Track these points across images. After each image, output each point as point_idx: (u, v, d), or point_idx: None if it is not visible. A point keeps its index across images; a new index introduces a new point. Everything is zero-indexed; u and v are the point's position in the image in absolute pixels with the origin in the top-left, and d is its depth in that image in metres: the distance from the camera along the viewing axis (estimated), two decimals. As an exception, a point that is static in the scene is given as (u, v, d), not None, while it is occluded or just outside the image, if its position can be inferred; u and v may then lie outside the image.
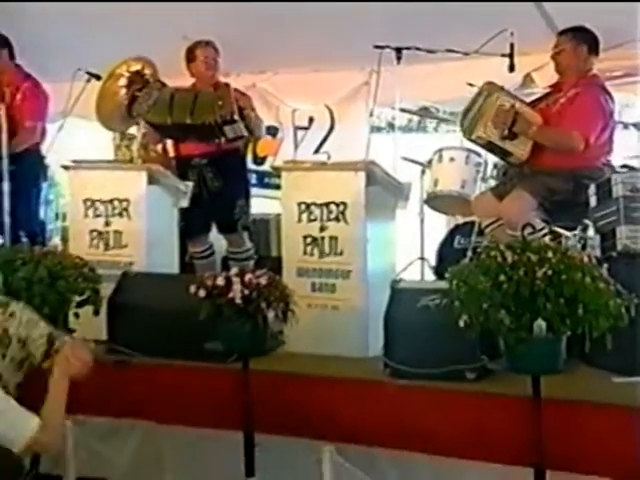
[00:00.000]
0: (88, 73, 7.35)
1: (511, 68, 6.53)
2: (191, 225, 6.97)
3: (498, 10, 6.70)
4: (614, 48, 6.57)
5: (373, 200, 5.72)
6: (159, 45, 7.12)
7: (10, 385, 4.30)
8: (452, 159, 6.78)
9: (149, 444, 5.50)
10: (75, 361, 3.85)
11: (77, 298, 5.47)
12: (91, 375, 5.64)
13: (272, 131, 8.44)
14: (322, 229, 5.75)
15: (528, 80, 7.21)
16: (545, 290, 4.05)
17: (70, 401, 5.49)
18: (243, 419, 4.98)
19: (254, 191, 7.56)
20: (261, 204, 7.71)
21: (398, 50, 6.75)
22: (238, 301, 4.84)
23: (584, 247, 5.87)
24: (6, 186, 7.24)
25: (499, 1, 6.73)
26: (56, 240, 8.14)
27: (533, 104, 6.32)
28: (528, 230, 5.88)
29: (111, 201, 6.45)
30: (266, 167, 8.31)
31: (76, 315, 5.54)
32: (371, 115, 7.38)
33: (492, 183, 6.74)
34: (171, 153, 7.39)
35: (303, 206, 5.81)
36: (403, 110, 7.46)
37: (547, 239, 5.52)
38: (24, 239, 6.44)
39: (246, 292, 4.85)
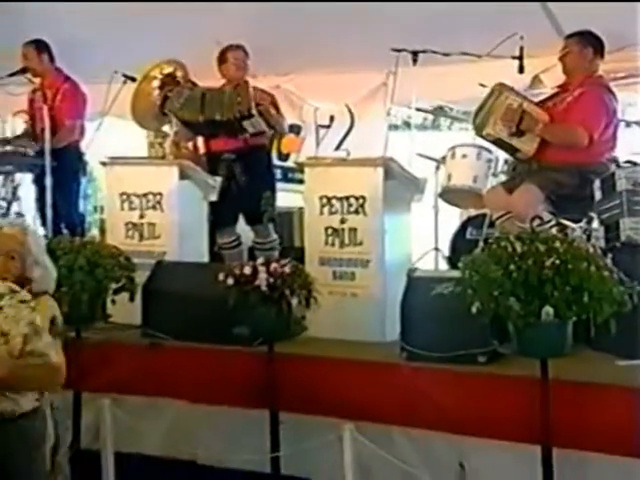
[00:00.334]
0: (124, 75, 7.38)
1: (520, 70, 6.55)
2: (220, 217, 6.97)
3: (508, 15, 6.67)
4: (618, 51, 6.53)
5: (390, 194, 5.72)
6: (193, 49, 7.12)
7: None
8: (465, 155, 6.75)
9: (181, 422, 5.51)
10: None
11: (114, 285, 5.48)
12: (127, 357, 5.72)
13: (295, 129, 8.43)
14: (342, 221, 5.75)
15: (537, 81, 7.18)
16: (553, 278, 4.04)
17: (108, 381, 5.56)
18: (268, 399, 5.00)
19: (279, 185, 7.54)
20: (285, 198, 7.70)
21: (414, 53, 6.74)
22: (264, 288, 4.85)
23: (589, 238, 5.86)
24: (49, 181, 7.27)
25: (510, 1, 6.71)
26: (94, 231, 8.16)
27: (542, 103, 6.31)
28: (536, 222, 5.85)
29: (145, 195, 6.46)
30: (290, 163, 8.30)
31: (113, 301, 5.56)
32: (388, 114, 7.38)
33: (502, 178, 6.71)
34: (201, 150, 7.40)
35: (325, 199, 5.81)
36: (419, 109, 7.45)
37: (554, 231, 5.49)
38: (65, 230, 6.47)
39: (271, 280, 4.86)
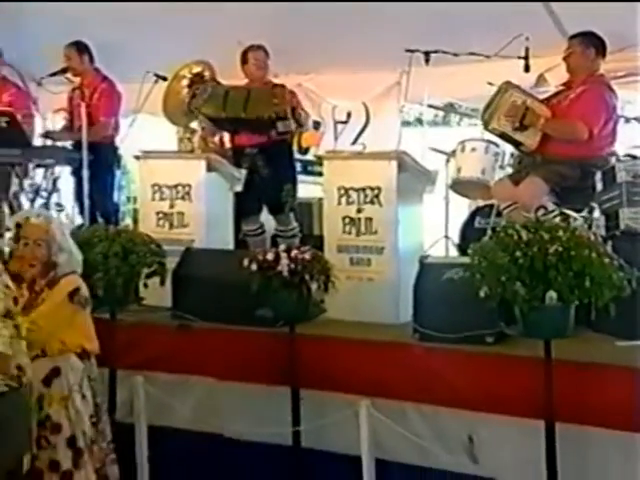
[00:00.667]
0: (156, 75, 7.39)
1: (526, 69, 6.54)
2: (244, 207, 6.97)
3: (514, 17, 6.65)
4: (619, 51, 6.50)
5: (404, 185, 5.70)
6: (217, 49, 7.12)
7: None
8: (473, 149, 6.73)
9: (209, 397, 5.52)
10: None
11: (146, 270, 5.49)
12: (158, 337, 5.73)
13: (315, 125, 8.40)
14: (359, 211, 5.74)
15: (541, 80, 7.14)
16: (556, 264, 4.04)
17: (141, 360, 5.58)
18: (290, 376, 5.00)
19: (299, 177, 7.52)
20: (305, 189, 7.68)
21: (426, 53, 6.74)
22: (285, 274, 4.85)
23: (590, 227, 5.83)
24: (85, 173, 7.30)
25: (517, 1, 6.67)
26: (128, 220, 8.18)
27: (547, 100, 6.29)
28: (541, 212, 5.85)
29: (175, 186, 6.47)
30: (310, 156, 8.27)
31: (145, 285, 5.57)
32: (401, 111, 7.37)
33: (509, 170, 6.69)
34: (227, 144, 7.41)
35: (342, 190, 5.80)
36: (430, 106, 7.41)
37: (558, 220, 5.47)
38: (100, 219, 6.49)
39: (292, 266, 4.87)
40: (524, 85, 6.44)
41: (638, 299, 4.32)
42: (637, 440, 4.31)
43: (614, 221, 5.30)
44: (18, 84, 8.29)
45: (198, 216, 6.41)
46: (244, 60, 7.08)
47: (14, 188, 7.69)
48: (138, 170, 7.01)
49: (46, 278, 4.32)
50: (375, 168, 5.78)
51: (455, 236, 7.10)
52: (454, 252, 6.87)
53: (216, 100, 6.97)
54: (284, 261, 4.86)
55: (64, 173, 7.84)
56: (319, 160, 6.72)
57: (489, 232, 6.09)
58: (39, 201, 7.57)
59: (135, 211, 7.69)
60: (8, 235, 4.50)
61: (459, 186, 6.89)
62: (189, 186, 6.43)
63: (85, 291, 4.47)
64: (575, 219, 5.86)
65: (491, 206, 6.76)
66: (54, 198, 7.66)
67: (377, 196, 5.68)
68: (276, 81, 7.22)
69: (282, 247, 5.09)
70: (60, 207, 7.61)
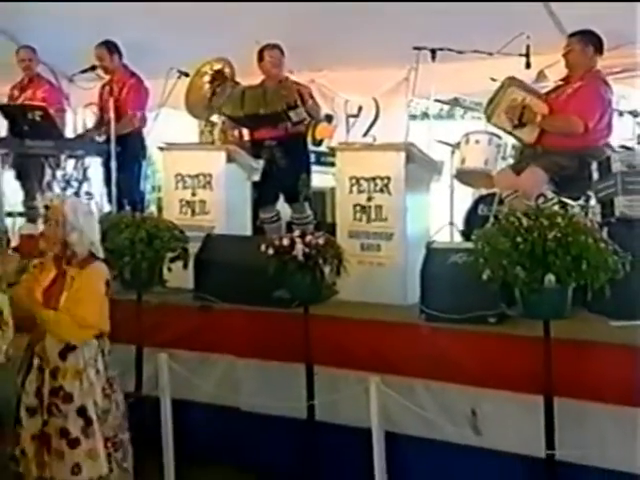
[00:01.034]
0: (179, 71, 7.39)
1: (527, 65, 6.53)
2: (262, 195, 6.97)
3: (516, 16, 6.62)
4: (615, 49, 6.45)
5: (411, 175, 5.68)
6: (236, 48, 7.10)
7: None
8: (477, 141, 6.70)
9: (229, 373, 5.54)
10: None
11: (170, 255, 5.50)
12: (182, 317, 5.74)
13: (328, 118, 8.39)
14: (369, 199, 5.73)
15: (541, 76, 7.10)
16: (555, 249, 4.04)
17: (165, 338, 5.60)
18: (304, 354, 5.00)
19: (313, 168, 7.52)
20: (319, 179, 7.68)
21: (433, 51, 6.70)
22: (300, 258, 4.85)
23: (587, 214, 5.83)
24: (113, 164, 7.31)
25: (518, 1, 6.65)
26: (152, 208, 8.18)
27: (547, 94, 6.27)
28: (541, 200, 5.83)
29: (197, 176, 6.46)
30: (323, 148, 8.26)
31: (169, 269, 5.58)
32: (409, 105, 7.35)
33: (510, 161, 6.66)
34: (246, 137, 7.40)
35: (354, 180, 5.78)
36: (437, 100, 7.40)
37: (556, 207, 5.45)
38: (127, 207, 6.50)
39: (307, 250, 4.86)
40: (525, 81, 6.41)
41: (631, 282, 4.30)
42: (630, 413, 4.31)
43: (609, 209, 5.27)
44: (51, 81, 8.33)
45: (218, 204, 6.41)
46: (261, 58, 7.08)
47: (47, 178, 7.73)
48: (162, 161, 7.01)
49: (65, 256, 4.34)
50: (384, 159, 5.76)
51: (459, 223, 7.08)
52: (458, 238, 6.86)
53: (234, 101, 7.02)
54: (299, 246, 4.86)
55: (94, 163, 7.87)
56: (332, 151, 6.71)
57: (492, 219, 6.11)
58: (70, 190, 7.59)
59: (159, 199, 7.70)
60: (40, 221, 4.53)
61: (463, 176, 6.88)
62: (210, 176, 6.43)
63: (110, 281, 4.50)
64: (573, 207, 5.86)
65: (493, 194, 6.74)
66: (84, 187, 7.68)
67: (386, 185, 5.67)
68: (291, 77, 7.21)
69: (297, 233, 5.08)
70: (90, 195, 7.64)
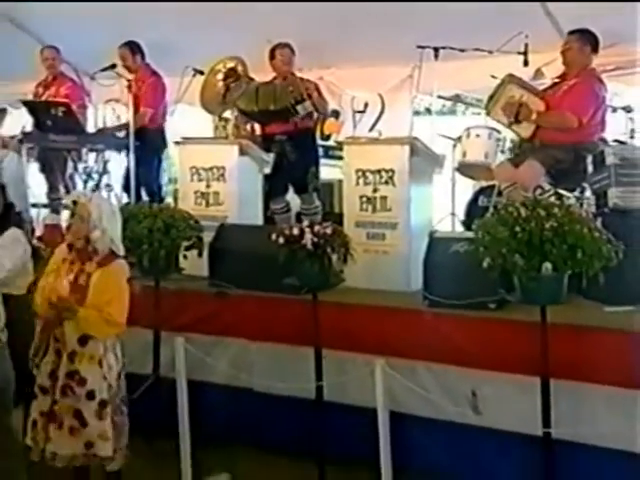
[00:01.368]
0: (194, 69, 7.37)
1: (525, 63, 6.54)
2: (272, 187, 6.96)
3: (515, 16, 6.59)
4: (609, 47, 6.40)
5: (415, 168, 5.67)
6: (249, 46, 7.09)
7: None
8: (478, 135, 6.69)
9: (242, 356, 5.54)
10: None
11: (186, 243, 5.49)
12: (197, 303, 5.74)
13: (335, 114, 8.36)
14: (375, 190, 5.71)
15: (539, 73, 7.08)
16: (551, 238, 4.03)
17: (182, 322, 5.61)
18: (313, 337, 5.00)
19: (322, 161, 7.51)
20: (327, 171, 7.67)
21: (436, 49, 6.71)
22: (309, 247, 4.84)
23: (582, 205, 5.82)
24: (131, 157, 7.31)
25: (517, 1, 6.62)
26: (169, 199, 8.17)
27: (544, 91, 6.24)
28: (538, 191, 5.80)
29: (211, 168, 6.45)
30: (331, 142, 8.24)
31: (185, 257, 5.57)
32: (413, 101, 7.33)
33: (509, 155, 6.64)
34: (257, 131, 7.38)
35: (360, 172, 5.77)
36: (440, 97, 7.37)
37: (553, 198, 5.44)
38: (146, 198, 6.50)
39: (315, 240, 4.85)
40: (523, 78, 6.39)
41: (624, 269, 4.29)
42: (623, 393, 4.32)
43: (603, 200, 5.26)
44: (74, 78, 8.34)
45: (231, 195, 6.40)
46: (272, 56, 7.07)
47: (69, 171, 7.73)
48: (178, 154, 7.00)
49: (87, 252, 4.33)
50: (389, 152, 5.75)
51: (461, 213, 7.07)
52: (460, 227, 6.85)
53: (248, 96, 7.01)
54: (308, 235, 4.84)
55: (113, 157, 7.87)
56: (339, 145, 6.71)
57: (491, 209, 6.07)
58: (91, 182, 7.59)
59: (176, 191, 7.69)
60: (66, 212, 4.52)
61: (464, 168, 6.86)
62: (223, 168, 6.41)
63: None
64: (568, 198, 5.83)
65: (493, 186, 6.72)
66: (104, 179, 7.68)
67: (391, 177, 5.65)
68: (301, 74, 7.20)
69: (306, 223, 5.08)
70: (109, 187, 7.64)
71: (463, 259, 4.76)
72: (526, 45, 6.43)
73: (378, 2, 7.08)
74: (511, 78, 6.18)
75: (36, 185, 8.07)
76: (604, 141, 6.08)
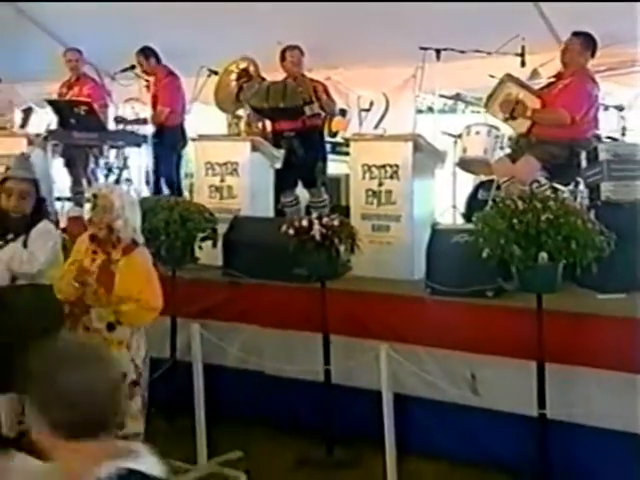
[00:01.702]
0: (209, 70, 7.38)
1: (522, 64, 6.52)
2: (283, 181, 6.94)
3: (513, 19, 6.57)
4: (601, 49, 6.35)
5: (418, 163, 5.66)
6: (260, 48, 7.10)
7: None
8: (477, 132, 6.67)
9: (254, 341, 5.55)
10: None
11: (201, 235, 5.50)
12: (212, 291, 5.74)
13: (342, 112, 8.35)
14: (380, 184, 5.71)
15: (535, 73, 7.03)
16: (547, 230, 4.03)
17: (197, 310, 5.61)
18: (321, 324, 5.01)
19: (329, 157, 7.50)
20: (334, 166, 7.66)
21: (437, 51, 6.66)
22: (317, 238, 4.84)
23: (576, 198, 5.80)
24: (151, 153, 7.33)
25: (515, 0, 6.58)
26: (185, 193, 8.18)
27: (541, 89, 6.21)
28: (535, 185, 5.77)
29: (225, 164, 6.45)
30: (338, 139, 8.23)
31: (200, 247, 5.58)
32: (416, 100, 7.31)
33: (507, 150, 6.62)
34: (268, 128, 7.38)
35: (366, 167, 5.76)
36: (441, 96, 7.35)
37: (549, 192, 5.43)
38: (166, 191, 6.52)
39: (323, 231, 4.86)
40: (521, 77, 6.37)
41: (616, 259, 4.28)
42: (614, 376, 4.33)
43: (596, 193, 5.25)
44: (95, 79, 8.35)
45: (244, 189, 6.40)
46: (282, 57, 7.06)
47: (91, 166, 7.74)
48: (194, 150, 7.02)
49: (110, 241, 4.32)
50: (394, 148, 5.74)
51: (461, 206, 7.05)
52: (460, 220, 6.83)
53: (260, 94, 7.00)
54: (316, 227, 4.85)
55: (135, 152, 7.90)
56: (346, 142, 6.70)
57: (490, 203, 6.06)
58: (112, 177, 7.60)
59: (191, 185, 7.70)
60: (87, 205, 4.51)
61: (465, 164, 6.85)
62: (236, 164, 6.41)
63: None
64: (563, 191, 5.82)
65: (492, 181, 6.70)
66: (124, 174, 7.70)
67: (395, 172, 5.64)
68: (310, 75, 7.20)
69: (315, 215, 5.08)
70: (129, 181, 7.66)
71: (463, 249, 4.75)
72: (523, 47, 6.41)
73: (383, 1, 7.04)
74: (509, 77, 6.16)
75: (60, 179, 8.09)
76: (597, 138, 6.06)
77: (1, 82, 8.58)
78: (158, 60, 7.89)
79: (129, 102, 8.42)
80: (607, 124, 6.54)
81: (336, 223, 4.91)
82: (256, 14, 7.44)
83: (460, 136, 6.84)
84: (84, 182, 7.72)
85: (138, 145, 7.73)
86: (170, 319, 5.47)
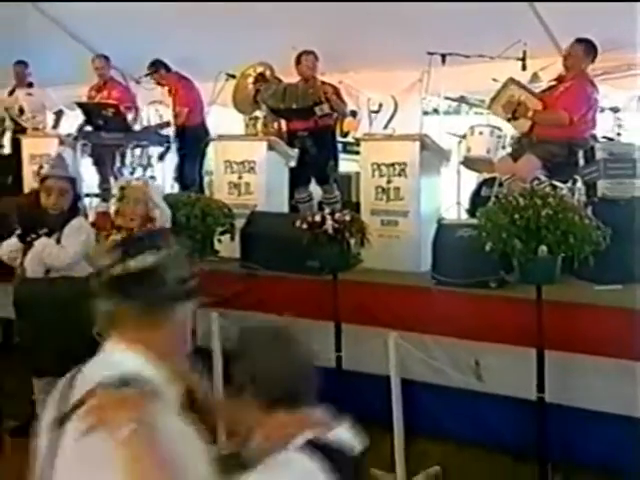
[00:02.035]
0: (227, 74, 7.39)
1: (523, 68, 6.48)
2: (297, 179, 6.95)
3: (514, 26, 6.53)
4: (599, 54, 6.33)
5: (425, 161, 5.66)
6: (276, 53, 7.10)
7: None
8: (481, 133, 6.65)
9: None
10: None
11: (220, 229, 5.52)
12: (230, 282, 5.74)
13: (353, 114, 8.34)
14: (389, 182, 5.70)
15: (535, 77, 7.01)
16: (547, 225, 4.02)
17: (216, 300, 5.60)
18: (333, 313, 5.01)
19: (341, 156, 7.51)
20: (345, 164, 7.66)
21: (443, 55, 6.65)
22: (330, 232, 4.84)
23: (574, 195, 5.78)
24: (172, 153, 7.35)
25: (517, 1, 6.55)
26: (206, 190, 8.19)
27: (543, 92, 6.22)
28: (535, 183, 5.76)
29: (242, 162, 6.46)
30: (349, 139, 8.22)
31: (219, 241, 5.59)
32: (422, 102, 7.31)
33: (509, 150, 6.60)
34: (283, 129, 7.39)
35: (375, 165, 5.76)
36: (447, 98, 7.33)
37: (548, 189, 5.40)
38: (191, 187, 6.54)
39: (335, 225, 4.85)
40: (522, 80, 6.36)
41: (612, 252, 4.26)
42: (609, 362, 4.32)
43: (593, 190, 5.24)
44: (122, 83, 8.38)
45: (260, 186, 6.41)
46: (298, 62, 7.06)
47: (118, 164, 7.77)
48: (214, 149, 7.03)
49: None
50: (402, 147, 5.74)
51: (466, 202, 7.03)
52: (464, 215, 6.81)
53: (276, 95, 7.00)
54: (329, 222, 4.84)
55: (156, 152, 7.92)
56: (357, 141, 6.70)
57: (493, 199, 6.04)
58: (136, 174, 7.62)
59: (211, 182, 7.72)
60: (113, 199, 4.52)
61: (469, 162, 6.83)
62: (254, 162, 6.42)
63: None
64: (562, 188, 5.80)
65: (494, 178, 6.67)
66: (148, 172, 7.72)
67: (403, 170, 5.64)
68: (322, 78, 7.19)
69: (327, 211, 5.08)
70: (153, 179, 7.67)
71: (467, 243, 4.74)
72: (524, 52, 6.38)
73: (391, 1, 7.01)
74: (512, 80, 6.17)
75: (88, 177, 8.12)
76: (594, 138, 6.07)
77: (34, 86, 8.61)
78: (168, 69, 7.96)
79: (153, 104, 8.44)
80: (603, 125, 6.52)
81: (347, 218, 4.91)
82: (272, 21, 7.44)
83: (464, 136, 6.82)
84: (111, 179, 7.75)
85: (161, 144, 7.75)
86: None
